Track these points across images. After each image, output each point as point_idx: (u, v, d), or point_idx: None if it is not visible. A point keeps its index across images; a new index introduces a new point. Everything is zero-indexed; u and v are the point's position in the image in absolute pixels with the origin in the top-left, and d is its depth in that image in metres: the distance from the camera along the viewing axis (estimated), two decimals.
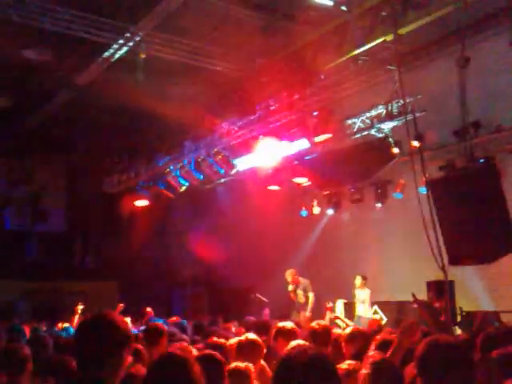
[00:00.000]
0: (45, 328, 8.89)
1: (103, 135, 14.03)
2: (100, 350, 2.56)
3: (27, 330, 7.17)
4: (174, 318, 8.73)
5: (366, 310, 11.14)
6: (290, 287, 11.40)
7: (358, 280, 11.25)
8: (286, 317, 10.55)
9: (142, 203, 14.26)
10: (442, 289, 9.15)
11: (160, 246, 16.72)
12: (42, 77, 11.61)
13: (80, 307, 8.72)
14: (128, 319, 8.79)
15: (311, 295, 11.24)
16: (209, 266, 16.52)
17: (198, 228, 15.66)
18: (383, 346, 3.79)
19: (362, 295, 11.21)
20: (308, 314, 11.08)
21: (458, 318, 10.04)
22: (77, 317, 8.62)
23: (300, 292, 11.32)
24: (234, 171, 12.14)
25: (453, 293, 10.06)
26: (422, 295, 9.93)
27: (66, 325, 8.32)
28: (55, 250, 16.58)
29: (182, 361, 2.53)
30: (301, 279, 11.43)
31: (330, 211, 13.41)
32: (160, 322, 6.53)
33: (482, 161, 9.46)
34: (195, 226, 15.75)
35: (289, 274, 11.40)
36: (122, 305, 9.85)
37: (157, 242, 16.67)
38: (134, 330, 7.53)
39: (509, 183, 8.50)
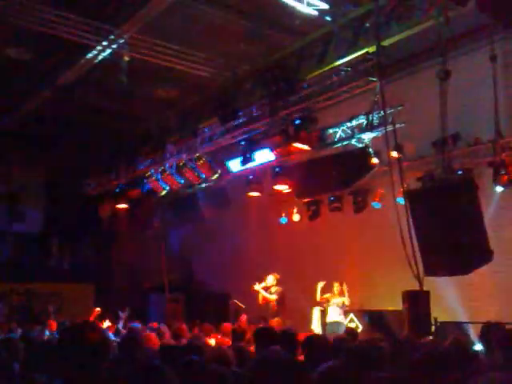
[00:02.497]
0: (20, 330, 8.75)
1: (84, 136, 13.94)
2: (82, 358, 2.56)
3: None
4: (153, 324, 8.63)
5: (336, 316, 11.25)
6: (257, 285, 11.37)
7: (337, 287, 11.38)
8: (264, 323, 10.58)
9: (121, 206, 14.16)
10: (416, 299, 9.26)
11: (138, 250, 16.61)
12: (23, 75, 11.52)
13: (51, 309, 8.60)
14: (106, 323, 8.72)
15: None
16: (187, 271, 16.47)
17: (177, 233, 15.61)
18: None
19: (337, 301, 11.33)
20: (277, 319, 11.06)
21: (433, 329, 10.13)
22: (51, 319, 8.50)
23: (272, 298, 11.31)
24: (215, 177, 12.15)
25: (428, 303, 10.14)
26: (398, 305, 10.03)
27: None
28: (31, 251, 16.39)
29: (158, 372, 2.52)
30: (274, 288, 11.42)
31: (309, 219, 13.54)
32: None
33: (459, 173, 9.60)
34: (175, 230, 15.70)
35: (273, 278, 11.41)
36: (98, 309, 9.75)
37: (135, 245, 16.56)
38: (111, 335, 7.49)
39: (485, 196, 8.63)
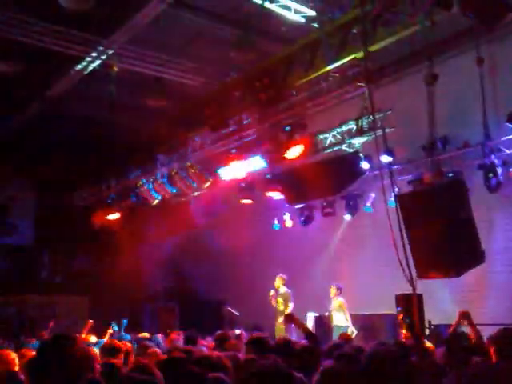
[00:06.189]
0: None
1: (74, 147, 13.92)
2: (60, 374, 2.55)
3: None
4: (146, 334, 8.56)
5: (341, 320, 11.22)
6: (272, 292, 11.53)
7: (333, 290, 11.41)
8: (260, 329, 10.59)
9: (113, 216, 14.13)
10: (410, 302, 9.27)
11: (131, 260, 16.54)
12: (13, 88, 11.50)
13: (51, 324, 8.52)
14: (93, 337, 8.64)
15: (290, 305, 11.33)
16: (181, 280, 16.42)
17: (170, 241, 15.57)
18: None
19: (335, 304, 11.34)
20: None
21: (427, 332, 10.16)
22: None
23: (279, 300, 11.46)
24: (206, 185, 12.17)
25: (421, 306, 10.17)
26: (391, 309, 10.05)
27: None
28: (23, 263, 16.29)
29: None
30: (282, 288, 11.55)
31: (304, 223, 13.56)
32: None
33: (450, 175, 9.67)
34: (167, 239, 15.66)
35: (278, 279, 11.57)
36: (91, 321, 9.68)
37: (128, 255, 16.50)
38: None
39: (475, 198, 8.68)
